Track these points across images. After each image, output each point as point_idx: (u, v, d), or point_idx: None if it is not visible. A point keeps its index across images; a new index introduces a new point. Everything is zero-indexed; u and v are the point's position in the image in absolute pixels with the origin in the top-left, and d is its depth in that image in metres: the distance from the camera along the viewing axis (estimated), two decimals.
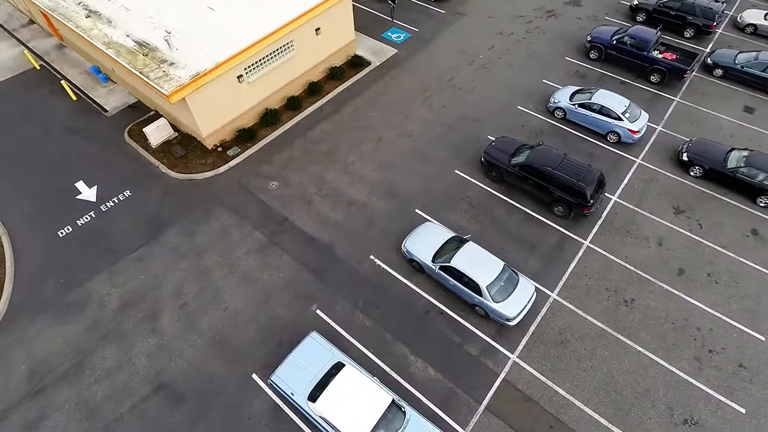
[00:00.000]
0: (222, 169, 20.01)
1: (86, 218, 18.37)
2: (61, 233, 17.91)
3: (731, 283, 16.46)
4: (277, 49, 20.83)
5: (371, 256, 17.19)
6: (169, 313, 15.77)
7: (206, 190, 19.30)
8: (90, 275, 16.69)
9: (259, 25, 19.64)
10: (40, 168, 20.19)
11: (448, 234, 16.59)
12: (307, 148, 20.94)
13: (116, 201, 18.93)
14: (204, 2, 21.00)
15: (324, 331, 15.22)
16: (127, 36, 19.59)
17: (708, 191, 19.20)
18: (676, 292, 16.25)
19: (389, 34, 26.91)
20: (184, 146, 20.70)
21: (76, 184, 19.49)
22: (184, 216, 18.40)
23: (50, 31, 26.87)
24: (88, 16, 20.64)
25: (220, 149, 20.72)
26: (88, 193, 19.20)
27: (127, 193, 19.19)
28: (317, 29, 22.07)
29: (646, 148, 20.81)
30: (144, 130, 20.36)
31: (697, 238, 17.72)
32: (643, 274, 16.69)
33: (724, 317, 15.63)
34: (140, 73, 17.93)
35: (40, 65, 25.08)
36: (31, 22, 28.18)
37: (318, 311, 15.75)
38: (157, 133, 20.59)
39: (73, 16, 20.72)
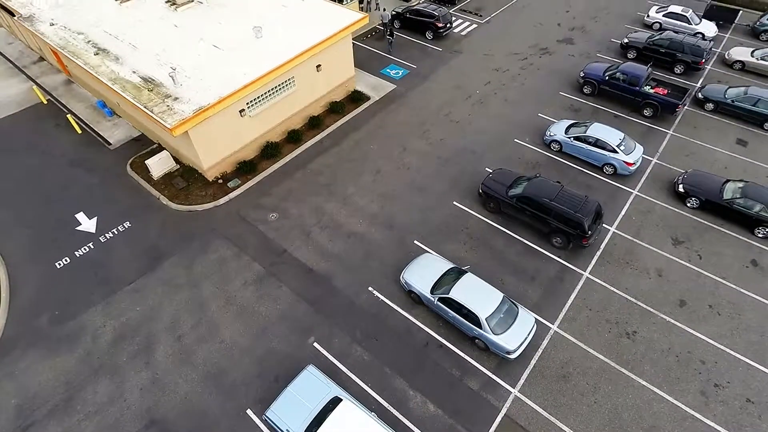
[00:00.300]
0: (222, 200, 20.17)
1: (85, 249, 18.36)
2: (59, 264, 17.84)
3: (734, 315, 16.26)
4: (279, 85, 21.41)
5: (370, 288, 17.07)
6: (163, 345, 15.50)
7: (206, 221, 19.38)
8: (85, 307, 16.52)
9: (262, 62, 20.27)
10: (41, 199, 20.35)
11: (447, 265, 16.54)
12: (306, 180, 21.18)
13: (115, 232, 18.97)
14: (209, 41, 21.75)
15: (321, 364, 14.93)
16: (134, 72, 20.18)
17: (706, 222, 19.27)
18: (679, 324, 16.04)
19: (388, 70, 27.73)
20: (186, 178, 20.93)
21: (76, 215, 19.59)
22: (183, 247, 18.39)
23: (59, 68, 27.71)
24: (97, 54, 21.32)
25: (220, 181, 20.94)
26: (87, 224, 19.27)
27: (127, 224, 19.26)
28: (318, 66, 22.76)
29: (642, 180, 21.04)
30: (146, 162, 20.65)
31: (696, 269, 17.64)
32: (645, 306, 16.52)
33: (728, 350, 15.36)
34: (144, 107, 18.36)
35: (47, 100, 25.71)
36: (41, 59, 29.10)
37: (315, 344, 15.49)
38: (158, 165, 20.88)
39: (82, 53, 21.42)
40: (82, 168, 21.77)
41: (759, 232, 18.62)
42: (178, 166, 21.55)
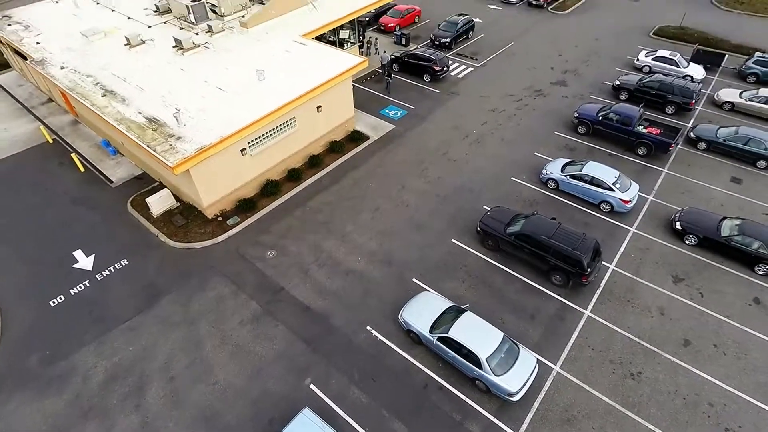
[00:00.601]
0: (221, 238, 20.19)
1: (80, 287, 18.20)
2: (53, 302, 17.64)
3: (740, 355, 15.91)
4: (280, 125, 21.94)
5: (368, 327, 16.80)
6: (156, 387, 15.08)
7: (204, 259, 19.33)
8: (77, 346, 16.19)
9: (264, 103, 20.85)
10: (40, 236, 20.38)
11: (446, 303, 16.35)
12: (305, 218, 21.29)
13: (112, 270, 18.88)
14: (214, 83, 22.47)
15: (317, 407, 14.46)
16: (139, 113, 20.72)
17: (705, 259, 19.20)
18: (684, 364, 15.67)
19: (387, 111, 28.47)
20: (185, 216, 21.05)
21: (74, 253, 19.56)
22: (180, 285, 18.25)
23: (67, 108, 28.47)
24: (104, 95, 21.97)
25: (220, 219, 21.05)
26: (85, 261, 19.21)
27: (125, 262, 19.19)
28: (319, 107, 23.40)
29: (640, 217, 21.14)
30: (147, 200, 20.84)
31: (699, 307, 17.43)
32: (648, 345, 16.19)
33: (737, 392, 14.93)
34: (148, 146, 18.74)
35: (53, 139, 26.27)
36: (50, 100, 29.95)
37: (312, 385, 15.08)
38: (159, 203, 21.05)
39: (90, 94, 22.07)
40: (83, 206, 21.94)
41: (759, 270, 18.52)
42: (178, 204, 21.72)
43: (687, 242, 19.80)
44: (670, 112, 27.82)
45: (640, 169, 23.86)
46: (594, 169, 21.55)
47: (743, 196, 22.17)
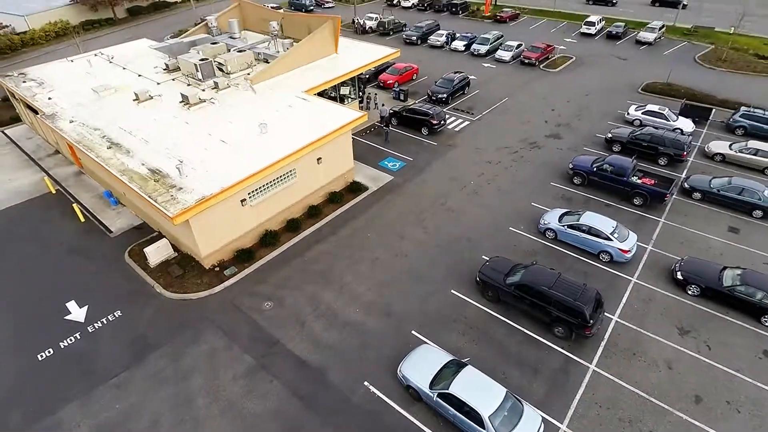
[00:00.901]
0: (217, 288, 19.94)
1: (71, 340, 17.74)
2: (41, 356, 17.12)
3: (755, 412, 15.22)
4: (281, 176, 22.32)
5: (365, 383, 16.19)
6: None
7: (199, 310, 18.98)
8: (62, 403, 15.52)
9: (266, 155, 21.32)
10: (34, 287, 20.12)
11: (446, 357, 15.87)
12: (304, 268, 21.13)
13: (105, 321, 18.48)
14: (217, 136, 23.10)
15: None
16: (143, 164, 21.14)
17: (709, 310, 18.85)
18: (697, 423, 14.95)
19: (386, 162, 29.07)
20: (182, 266, 20.90)
21: (67, 304, 19.23)
22: (173, 337, 17.79)
23: (72, 160, 29.09)
24: (110, 147, 22.52)
25: (217, 269, 20.89)
26: (77, 313, 18.85)
27: (118, 313, 18.83)
28: (319, 159, 23.92)
29: (640, 267, 20.99)
30: (144, 250, 20.79)
31: (707, 360, 16.89)
32: (658, 402, 15.53)
33: None
34: (149, 196, 18.95)
35: (56, 190, 26.62)
36: (57, 152, 30.67)
37: None
38: (157, 253, 20.98)
39: (96, 147, 22.62)
40: (81, 255, 21.85)
41: (766, 321, 18.14)
42: (176, 254, 21.64)
43: (689, 292, 19.53)
44: (662, 163, 28.41)
45: (637, 218, 24.00)
46: (591, 219, 21.69)
47: (742, 246, 22.14)
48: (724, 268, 19.60)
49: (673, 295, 19.54)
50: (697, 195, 25.30)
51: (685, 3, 62.32)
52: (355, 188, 26.28)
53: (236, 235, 21.40)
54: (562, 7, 62.58)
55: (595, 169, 25.86)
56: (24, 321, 18.55)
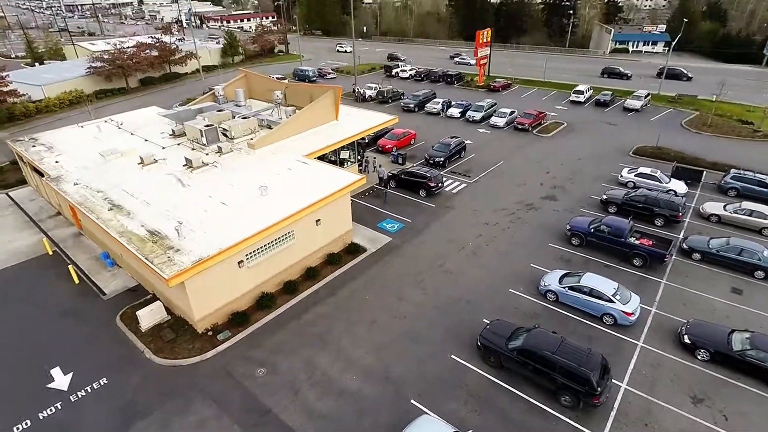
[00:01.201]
0: (209, 354, 19.24)
1: (51, 410, 16.82)
2: (17, 428, 16.13)
3: None
4: (279, 238, 22.36)
5: None
6: None
7: (189, 377, 18.19)
8: None
9: (265, 217, 21.50)
10: (20, 352, 19.42)
11: (448, 429, 14.97)
12: (300, 331, 20.55)
13: (89, 390, 17.64)
14: (218, 198, 23.45)
15: None
16: (142, 226, 21.25)
17: (721, 376, 18.09)
18: None
19: (384, 224, 29.28)
20: (175, 330, 20.33)
21: (51, 371, 18.45)
22: (160, 407, 16.88)
23: (73, 221, 29.29)
24: (111, 209, 22.77)
25: (210, 333, 20.30)
26: (61, 380, 18.03)
27: (104, 380, 18.02)
28: (317, 220, 24.11)
29: (645, 331, 20.43)
30: (137, 312, 20.34)
31: None
32: None
33: None
34: (145, 258, 18.85)
35: (53, 251, 26.56)
36: (58, 213, 30.97)
37: None
38: (149, 316, 20.50)
39: (98, 208, 22.88)
40: (72, 318, 21.34)
41: None
42: (169, 317, 21.13)
43: (699, 357, 18.85)
44: (659, 224, 28.62)
45: (638, 280, 23.74)
46: (592, 280, 21.46)
47: (747, 307, 21.71)
48: (732, 331, 19.08)
49: (683, 360, 18.84)
50: (697, 256, 25.23)
51: (690, 75, 65.79)
52: (353, 250, 26.24)
53: (232, 298, 21.04)
54: (555, 77, 66.23)
55: (592, 230, 26.00)
56: (3, 389, 17.69)
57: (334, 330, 20.59)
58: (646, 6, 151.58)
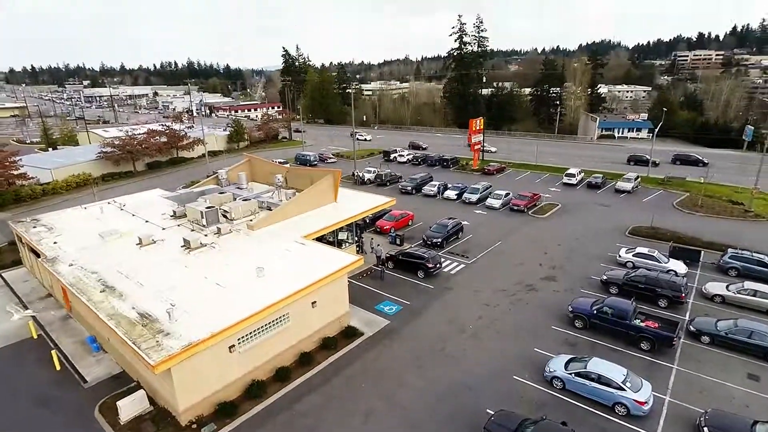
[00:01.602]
0: None
1: None
2: None
3: None
4: (274, 321, 21.70)
5: None
6: None
7: None
8: None
9: (260, 299, 21.05)
10: None
11: None
12: (291, 423, 19.14)
13: None
14: (214, 279, 23.14)
15: None
16: (133, 308, 20.71)
17: None
18: None
19: (382, 306, 28.61)
20: (156, 422, 18.94)
21: None
22: None
23: (63, 303, 28.60)
24: (103, 291, 22.34)
25: (194, 425, 18.87)
26: None
27: None
28: (314, 302, 23.58)
29: (662, 422, 19.05)
30: (117, 403, 19.07)
31: None
32: None
33: None
34: (133, 342, 18.10)
35: (38, 335, 25.59)
36: (49, 295, 30.35)
37: None
38: (130, 407, 19.20)
39: (89, 290, 22.46)
40: (47, 409, 19.96)
41: None
42: (152, 408, 19.77)
43: None
44: (663, 305, 28.00)
45: (647, 365, 22.66)
46: (599, 366, 20.48)
47: (766, 395, 20.46)
48: (755, 422, 17.81)
49: None
50: (706, 338, 24.34)
51: (706, 161, 66.22)
52: (350, 333, 25.35)
53: (220, 386, 19.86)
54: (548, 161, 69.00)
55: (595, 311, 25.37)
56: None
57: (327, 422, 19.18)
58: (627, 97, 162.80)
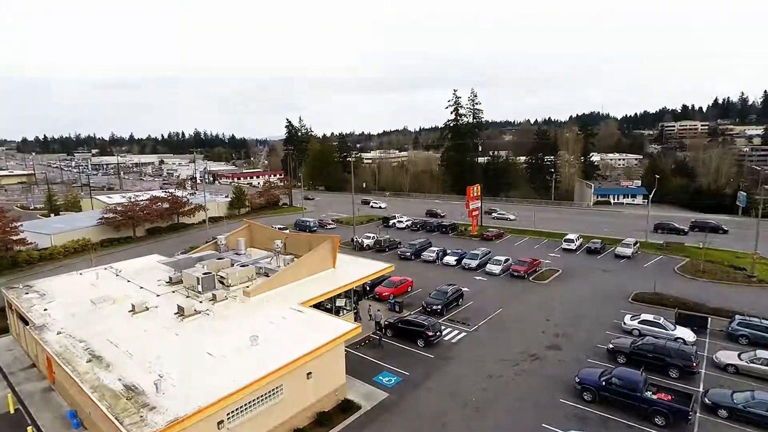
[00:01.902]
0: None
1: None
2: None
3: None
4: (266, 393, 20.59)
5: None
6: None
7: None
8: None
9: (252, 369, 20.11)
10: None
11: None
12: None
13: None
14: (206, 349, 22.27)
15: None
16: (119, 380, 19.73)
17: None
18: None
19: (380, 377, 27.31)
20: None
21: None
22: None
23: (46, 374, 27.30)
24: (89, 361, 21.42)
25: None
26: None
27: None
28: (309, 373, 22.53)
29: None
30: None
31: None
32: None
33: None
34: (115, 418, 17.03)
35: (15, 409, 24.15)
36: (33, 365, 29.06)
37: None
38: None
39: (75, 359, 21.53)
40: None
41: None
42: None
43: None
44: (674, 375, 26.77)
45: None
46: None
47: None
48: None
49: None
50: (723, 413, 22.98)
51: (726, 229, 66.17)
52: (347, 407, 23.96)
53: None
54: (547, 227, 69.49)
55: (603, 383, 24.18)
56: None
57: None
58: (619, 164, 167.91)
